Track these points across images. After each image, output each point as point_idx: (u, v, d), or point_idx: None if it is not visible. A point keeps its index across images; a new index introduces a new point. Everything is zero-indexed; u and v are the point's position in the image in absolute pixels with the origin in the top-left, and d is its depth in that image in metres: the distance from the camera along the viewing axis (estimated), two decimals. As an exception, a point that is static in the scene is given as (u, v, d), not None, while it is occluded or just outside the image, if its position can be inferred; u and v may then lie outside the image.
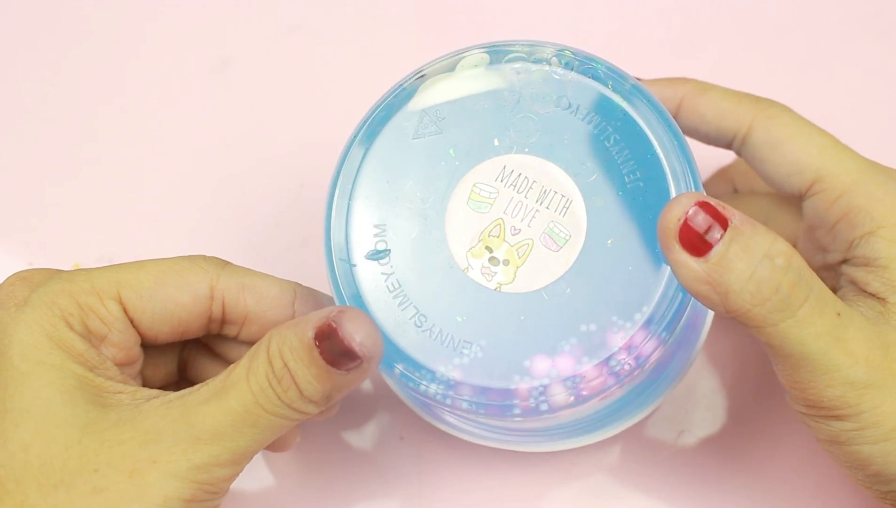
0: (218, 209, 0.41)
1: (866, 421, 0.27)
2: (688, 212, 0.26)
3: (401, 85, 0.31)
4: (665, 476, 0.36)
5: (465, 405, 0.29)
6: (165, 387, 0.33)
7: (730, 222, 0.26)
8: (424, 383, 0.29)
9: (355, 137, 0.30)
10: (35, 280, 0.29)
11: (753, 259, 0.26)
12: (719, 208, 0.26)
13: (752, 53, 0.44)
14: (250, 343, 0.31)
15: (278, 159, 0.42)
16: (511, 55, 0.31)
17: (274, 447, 0.34)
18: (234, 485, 0.34)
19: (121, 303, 0.29)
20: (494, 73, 0.31)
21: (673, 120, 0.30)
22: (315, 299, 0.31)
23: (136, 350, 0.30)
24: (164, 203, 0.41)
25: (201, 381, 0.32)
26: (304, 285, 0.31)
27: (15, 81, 0.44)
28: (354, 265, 0.30)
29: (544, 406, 0.28)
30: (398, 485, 0.36)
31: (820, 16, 0.45)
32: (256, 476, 0.36)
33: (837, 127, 0.43)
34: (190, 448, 0.26)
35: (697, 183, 0.29)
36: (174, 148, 0.42)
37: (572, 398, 0.28)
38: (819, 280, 0.27)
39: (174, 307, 0.30)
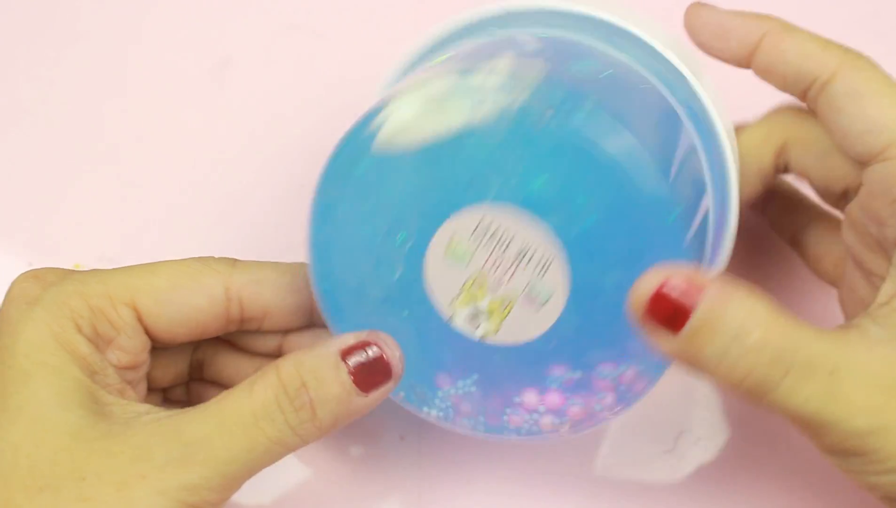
0: (218, 209, 0.41)
1: (872, 458, 0.26)
2: (658, 288, 0.25)
3: (364, 123, 0.28)
4: (664, 475, 0.36)
5: (467, 427, 0.30)
6: (174, 387, 0.33)
7: (701, 297, 0.25)
8: (425, 409, 0.30)
9: (321, 189, 0.29)
10: (48, 280, 0.29)
11: (724, 339, 0.25)
12: (690, 284, 0.25)
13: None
14: (274, 333, 0.32)
15: (278, 159, 0.42)
16: (487, 78, 0.27)
17: None
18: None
19: (134, 309, 0.29)
20: (466, 102, 0.26)
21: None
22: None
23: (144, 355, 0.30)
24: (164, 203, 0.41)
25: (220, 379, 0.32)
26: None
27: (15, 81, 0.44)
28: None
29: (537, 430, 0.29)
30: (398, 485, 0.36)
31: (820, 16, 0.45)
32: (255, 476, 0.36)
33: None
34: (181, 468, 0.26)
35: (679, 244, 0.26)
36: (174, 148, 0.42)
37: (566, 427, 0.29)
38: (808, 336, 0.25)
39: (190, 311, 0.30)
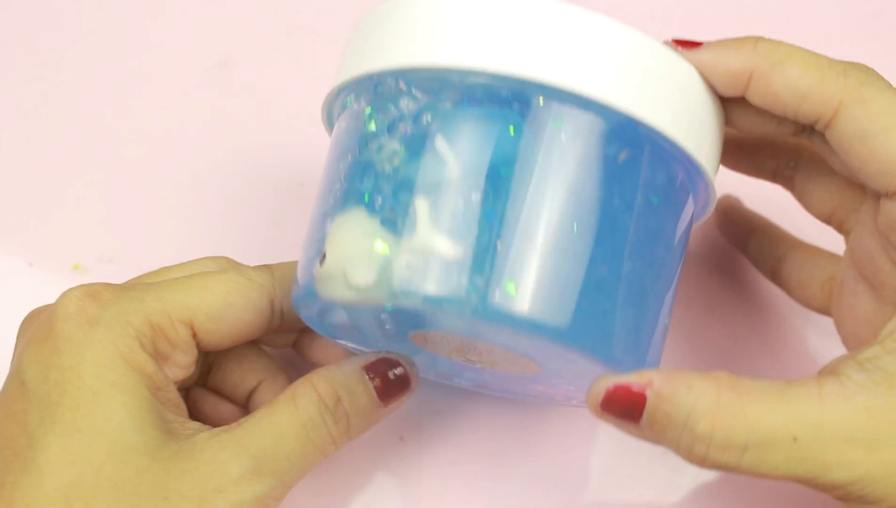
0: (218, 209, 0.41)
1: (864, 501, 0.26)
2: (608, 391, 0.26)
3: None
4: (666, 477, 0.36)
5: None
6: (184, 388, 0.34)
7: (647, 397, 0.25)
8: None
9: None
10: (104, 298, 0.29)
11: (675, 428, 0.25)
12: (634, 388, 0.25)
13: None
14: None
15: (278, 159, 0.42)
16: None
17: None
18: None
19: (191, 327, 0.30)
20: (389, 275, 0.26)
21: None
22: None
23: (193, 367, 0.31)
24: (164, 203, 0.41)
25: (224, 387, 0.34)
26: None
27: (15, 80, 0.44)
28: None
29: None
30: (398, 485, 0.36)
31: (820, 16, 0.45)
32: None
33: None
34: (254, 480, 0.27)
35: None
36: (174, 148, 0.42)
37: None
38: (762, 411, 0.25)
39: (241, 326, 0.31)
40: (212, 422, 0.34)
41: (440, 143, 0.25)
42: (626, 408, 0.26)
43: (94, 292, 0.29)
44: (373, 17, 0.28)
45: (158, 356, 0.29)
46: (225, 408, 0.34)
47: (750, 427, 0.25)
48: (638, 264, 0.26)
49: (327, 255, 0.27)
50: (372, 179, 0.26)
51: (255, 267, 0.32)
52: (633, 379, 0.25)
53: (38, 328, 0.29)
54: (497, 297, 0.25)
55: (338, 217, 0.27)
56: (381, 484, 0.36)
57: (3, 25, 0.45)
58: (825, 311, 0.34)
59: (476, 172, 0.25)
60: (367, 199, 0.26)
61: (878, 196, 0.28)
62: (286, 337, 0.35)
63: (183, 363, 0.30)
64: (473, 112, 0.26)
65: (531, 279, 0.25)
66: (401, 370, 0.31)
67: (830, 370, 0.26)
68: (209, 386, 0.34)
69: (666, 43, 0.27)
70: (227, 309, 0.30)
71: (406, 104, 0.26)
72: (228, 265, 0.33)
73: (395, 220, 0.25)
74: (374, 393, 0.30)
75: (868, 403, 0.25)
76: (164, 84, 0.44)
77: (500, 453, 0.36)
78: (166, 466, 0.27)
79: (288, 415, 0.29)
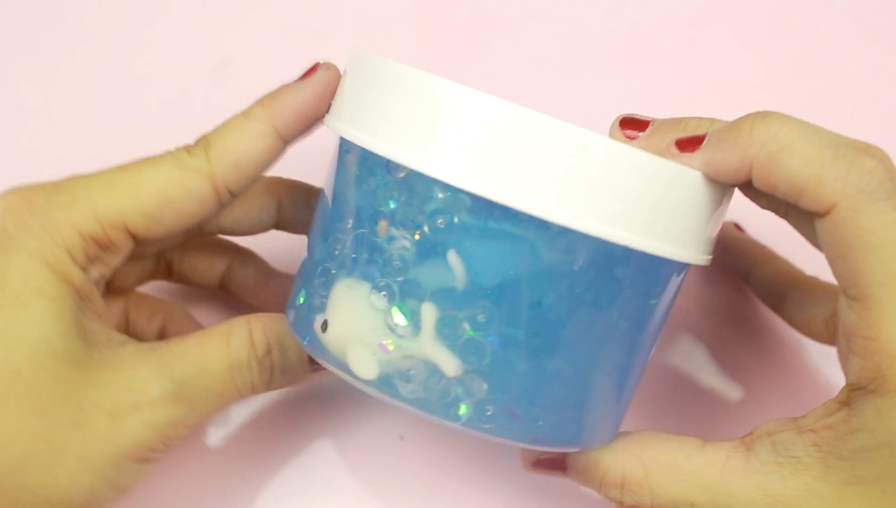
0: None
1: None
2: (531, 462, 0.31)
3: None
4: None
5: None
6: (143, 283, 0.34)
7: (567, 464, 0.29)
8: None
9: None
10: (34, 201, 0.29)
11: (594, 487, 0.29)
12: (555, 459, 0.30)
13: (751, 53, 0.44)
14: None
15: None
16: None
17: None
18: (233, 483, 0.34)
19: (126, 231, 0.29)
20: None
21: None
22: (288, 102, 0.30)
23: (122, 263, 0.31)
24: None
25: (192, 276, 0.35)
26: (271, 102, 0.30)
27: (15, 81, 0.44)
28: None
29: None
30: (398, 485, 0.36)
31: (820, 16, 0.45)
32: (256, 476, 0.36)
33: (837, 127, 0.43)
34: (171, 403, 0.28)
35: None
36: (174, 148, 0.42)
37: None
38: (666, 479, 0.27)
39: (185, 217, 0.30)
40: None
41: (452, 256, 0.25)
42: (551, 469, 0.30)
43: (25, 195, 0.29)
44: (401, 84, 0.26)
45: (88, 261, 0.29)
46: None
47: (654, 493, 0.27)
48: (626, 357, 0.27)
49: (329, 325, 0.27)
50: (380, 264, 0.26)
51: (190, 149, 0.30)
52: (553, 455, 0.30)
53: None
54: (491, 416, 0.26)
55: (342, 283, 0.27)
56: (382, 484, 0.36)
57: (3, 25, 0.45)
58: (832, 344, 0.32)
59: (485, 292, 0.25)
60: (374, 282, 0.26)
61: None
62: (250, 218, 0.34)
63: (113, 262, 0.30)
64: (488, 228, 0.25)
65: (526, 402, 0.26)
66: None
67: (750, 441, 0.27)
68: (175, 278, 0.34)
69: (670, 147, 0.27)
70: (165, 206, 0.29)
71: (425, 200, 0.25)
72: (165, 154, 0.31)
73: (401, 315, 0.26)
74: (305, 355, 0.30)
75: (766, 485, 0.26)
76: (164, 84, 0.44)
77: (499, 452, 0.36)
78: (86, 375, 0.27)
79: (217, 350, 0.29)
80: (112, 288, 0.33)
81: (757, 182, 0.26)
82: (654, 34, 0.45)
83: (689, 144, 0.26)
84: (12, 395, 0.26)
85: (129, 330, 0.34)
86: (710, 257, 0.28)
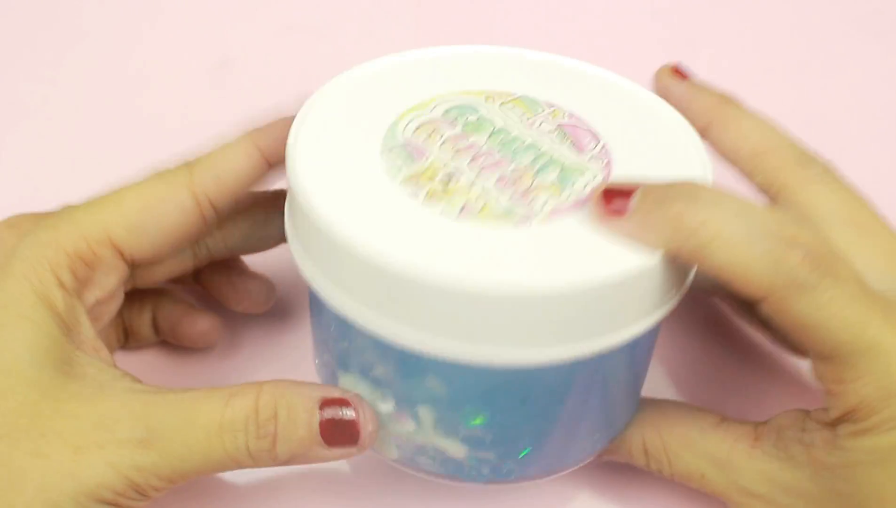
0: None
1: None
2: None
3: None
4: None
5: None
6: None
7: None
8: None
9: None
10: (23, 228, 0.29)
11: (624, 458, 0.30)
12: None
13: (751, 53, 0.44)
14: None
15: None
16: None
17: (196, 342, 0.35)
18: (234, 483, 0.34)
19: (111, 244, 0.29)
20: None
21: None
22: (274, 130, 0.31)
23: (119, 288, 0.30)
24: (163, 203, 0.41)
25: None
26: (258, 128, 0.31)
27: (15, 81, 0.44)
28: None
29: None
30: (398, 485, 0.36)
31: (820, 16, 0.45)
32: (256, 475, 0.36)
33: (837, 127, 0.43)
34: (138, 448, 0.26)
35: None
36: (174, 148, 0.42)
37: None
38: (681, 447, 0.29)
39: (167, 227, 0.30)
40: (190, 340, 0.34)
41: (432, 380, 0.26)
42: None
43: (15, 223, 0.29)
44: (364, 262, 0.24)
45: (77, 284, 0.29)
46: (203, 323, 0.34)
47: (671, 462, 0.29)
48: (630, 385, 0.29)
49: None
50: (370, 377, 0.27)
51: (176, 165, 0.31)
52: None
53: None
54: (512, 469, 0.28)
55: (348, 377, 0.28)
56: (382, 484, 0.36)
57: (3, 25, 0.45)
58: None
59: (471, 398, 0.26)
60: (372, 387, 0.27)
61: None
62: (256, 232, 0.33)
63: (107, 285, 0.29)
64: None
65: (541, 452, 0.28)
66: (351, 413, 0.27)
67: (760, 431, 0.28)
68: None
69: (598, 204, 0.26)
70: (145, 215, 0.29)
71: (391, 350, 0.25)
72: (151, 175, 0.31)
73: (404, 416, 0.27)
74: (316, 427, 0.27)
75: (766, 471, 0.28)
76: (164, 84, 0.44)
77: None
78: (57, 406, 0.26)
79: (212, 407, 0.27)
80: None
81: (683, 260, 0.25)
82: (655, 34, 0.45)
83: (615, 210, 0.26)
84: None
85: (127, 328, 0.34)
86: (682, 291, 0.27)
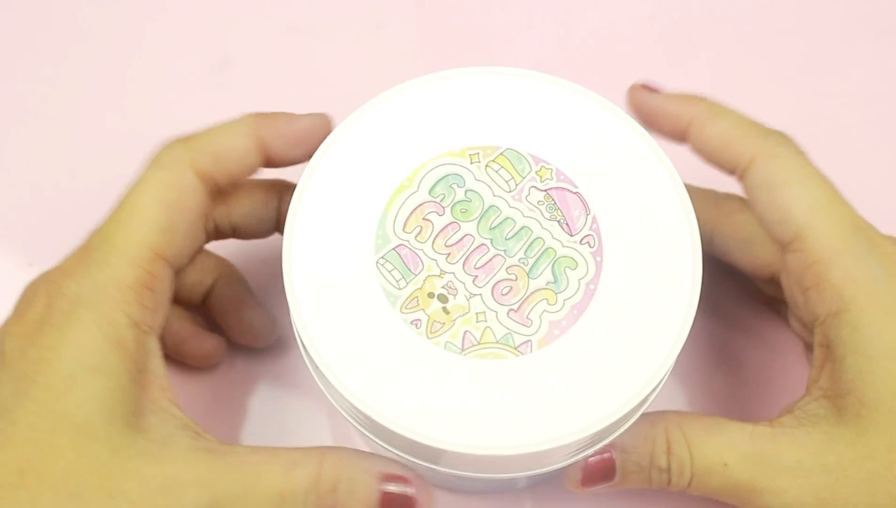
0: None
1: None
2: (583, 472, 0.30)
3: None
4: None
5: None
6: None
7: (614, 458, 0.30)
8: None
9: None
10: (60, 283, 0.28)
11: (643, 471, 0.30)
12: (605, 458, 0.29)
13: (751, 53, 0.44)
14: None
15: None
16: None
17: (201, 361, 0.35)
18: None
19: (160, 259, 0.29)
20: None
21: None
22: (278, 124, 0.31)
23: (171, 299, 0.31)
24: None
25: (184, 286, 0.34)
26: (261, 114, 0.31)
27: (15, 81, 0.44)
28: None
29: None
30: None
31: (820, 16, 0.45)
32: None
33: (837, 128, 0.43)
34: None
35: None
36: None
37: None
38: (701, 439, 0.29)
39: (187, 213, 0.30)
40: (195, 359, 0.35)
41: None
42: (602, 475, 0.30)
43: (51, 279, 0.29)
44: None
45: (148, 313, 0.29)
46: (210, 343, 0.35)
47: (692, 453, 0.29)
48: None
49: None
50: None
51: (169, 146, 0.31)
52: (596, 454, 0.29)
53: (24, 303, 0.29)
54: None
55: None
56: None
57: (3, 25, 0.45)
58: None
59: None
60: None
61: (784, 252, 0.30)
62: (256, 213, 0.33)
63: (167, 301, 0.30)
64: None
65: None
66: (411, 491, 0.28)
67: (773, 418, 0.30)
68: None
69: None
70: (169, 212, 0.29)
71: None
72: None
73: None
74: (375, 505, 0.28)
75: (791, 441, 0.28)
76: (164, 85, 0.44)
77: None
78: (125, 464, 0.26)
79: (274, 476, 0.27)
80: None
81: (692, 136, 0.31)
82: (654, 35, 0.45)
83: (647, 88, 0.33)
84: (51, 475, 0.26)
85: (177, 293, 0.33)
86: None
